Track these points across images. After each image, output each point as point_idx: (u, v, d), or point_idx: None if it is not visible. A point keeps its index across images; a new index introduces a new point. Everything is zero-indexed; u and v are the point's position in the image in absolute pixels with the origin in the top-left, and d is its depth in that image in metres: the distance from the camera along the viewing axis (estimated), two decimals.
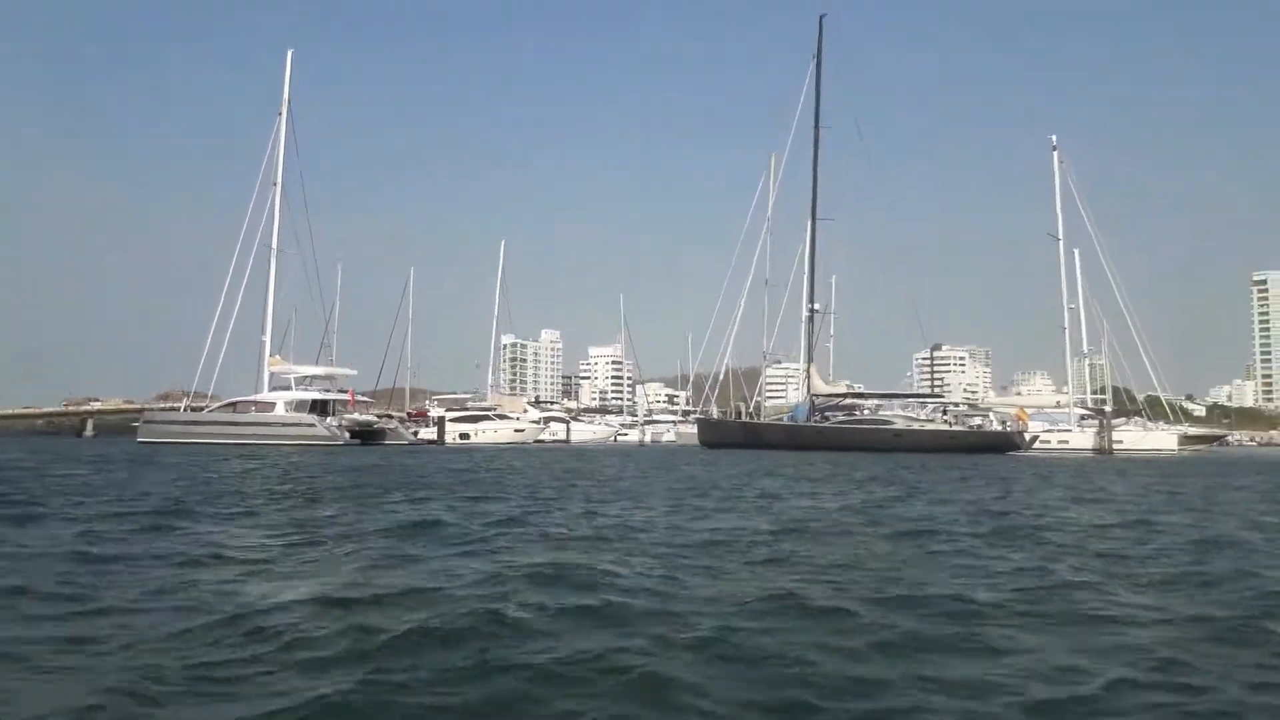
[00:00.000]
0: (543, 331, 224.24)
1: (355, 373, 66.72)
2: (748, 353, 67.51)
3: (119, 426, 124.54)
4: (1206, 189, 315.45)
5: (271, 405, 58.00)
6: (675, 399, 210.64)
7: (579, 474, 21.66)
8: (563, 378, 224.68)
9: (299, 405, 57.88)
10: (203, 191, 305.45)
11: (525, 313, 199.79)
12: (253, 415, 57.59)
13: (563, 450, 48.73)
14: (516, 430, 68.19)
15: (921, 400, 59.35)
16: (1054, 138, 56.45)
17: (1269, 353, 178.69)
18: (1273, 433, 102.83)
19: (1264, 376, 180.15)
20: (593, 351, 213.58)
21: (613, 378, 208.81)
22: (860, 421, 51.44)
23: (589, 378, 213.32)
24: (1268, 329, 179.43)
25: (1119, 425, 52.59)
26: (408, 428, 65.57)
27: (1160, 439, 52.71)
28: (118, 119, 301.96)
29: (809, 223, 54.07)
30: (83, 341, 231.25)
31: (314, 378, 61.84)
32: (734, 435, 52.61)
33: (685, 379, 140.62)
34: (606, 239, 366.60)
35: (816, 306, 53.56)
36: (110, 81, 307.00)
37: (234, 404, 59.45)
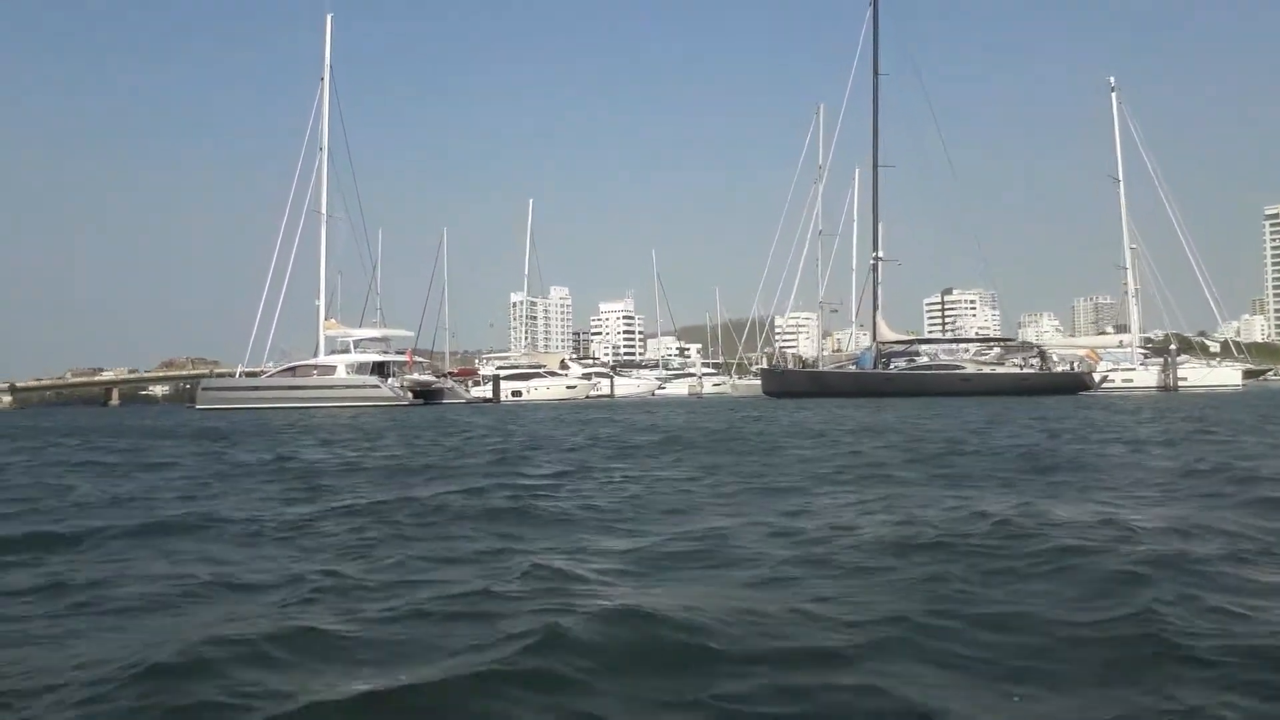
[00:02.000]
0: (552, 288, 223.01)
1: (412, 334, 67.20)
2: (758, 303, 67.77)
3: (130, 394, 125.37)
4: (1214, 124, 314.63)
5: (333, 368, 58.32)
6: (686, 351, 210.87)
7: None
8: (573, 334, 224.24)
9: (360, 368, 58.24)
10: (170, 159, 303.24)
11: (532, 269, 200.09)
12: (315, 379, 57.84)
13: (641, 405, 48.83)
14: (569, 387, 68.55)
15: (989, 343, 59.57)
16: (1112, 79, 56.35)
17: None
18: None
19: (1276, 311, 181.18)
20: (603, 307, 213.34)
21: (624, 332, 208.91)
22: (929, 367, 51.86)
23: (600, 333, 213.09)
24: None
25: (1181, 363, 53.11)
26: (464, 386, 65.95)
27: (1225, 375, 53.29)
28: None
29: (870, 171, 54.19)
30: (65, 315, 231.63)
31: (370, 340, 61.98)
32: (800, 384, 52.96)
33: (714, 331, 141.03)
34: (606, 196, 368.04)
35: (880, 254, 53.70)
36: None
37: (293, 368, 59.60)
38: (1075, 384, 47.91)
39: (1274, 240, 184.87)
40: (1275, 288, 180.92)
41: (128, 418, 45.80)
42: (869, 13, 54.60)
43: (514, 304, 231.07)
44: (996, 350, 62.77)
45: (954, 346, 65.52)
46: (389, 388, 56.73)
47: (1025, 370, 50.54)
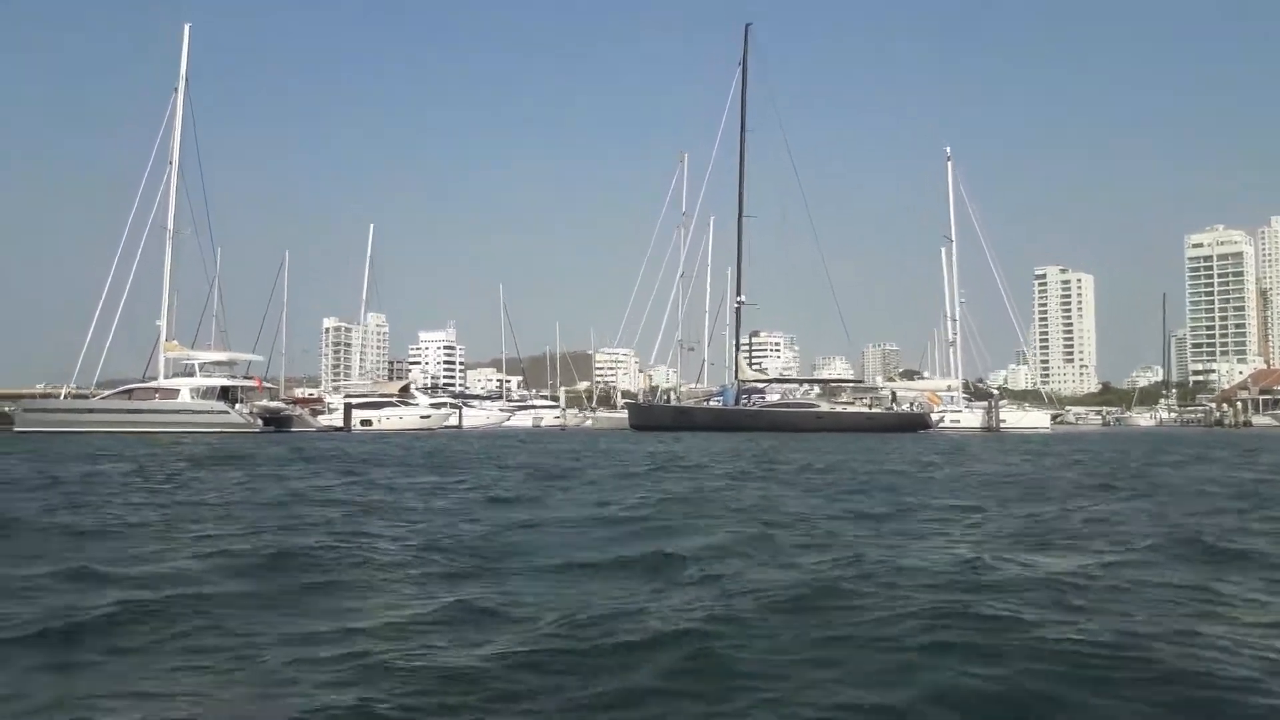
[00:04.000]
0: (369, 315, 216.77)
1: (261, 358, 64.57)
2: (578, 338, 70.70)
3: None
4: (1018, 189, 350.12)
5: (175, 392, 55.36)
6: (506, 383, 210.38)
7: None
8: (390, 363, 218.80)
9: (207, 392, 55.62)
10: None
11: (349, 298, 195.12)
12: (156, 403, 54.66)
13: (523, 436, 49.16)
14: (423, 417, 67.48)
15: (840, 384, 64.06)
16: (948, 149, 62.57)
17: (1046, 341, 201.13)
18: (1077, 409, 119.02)
19: (1042, 362, 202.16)
20: (423, 336, 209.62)
21: (445, 362, 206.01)
22: (787, 405, 55.25)
23: (419, 363, 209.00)
24: (1045, 319, 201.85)
25: (1001, 408, 59.30)
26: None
27: (1036, 418, 60.02)
28: None
29: (727, 219, 57.59)
30: None
31: (215, 363, 59.22)
32: (664, 419, 54.94)
33: (552, 363, 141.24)
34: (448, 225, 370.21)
35: (743, 298, 56.83)
36: None
37: (130, 390, 56.28)
38: (917, 423, 52.55)
39: (1041, 299, 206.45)
40: (1042, 341, 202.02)
41: None
42: (738, 73, 58.25)
43: (326, 330, 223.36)
44: (816, 390, 67.87)
45: (792, 386, 69.87)
46: (238, 413, 54.39)
47: (873, 410, 54.90)
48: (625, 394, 78.29)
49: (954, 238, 60.81)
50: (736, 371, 57.18)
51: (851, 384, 64.86)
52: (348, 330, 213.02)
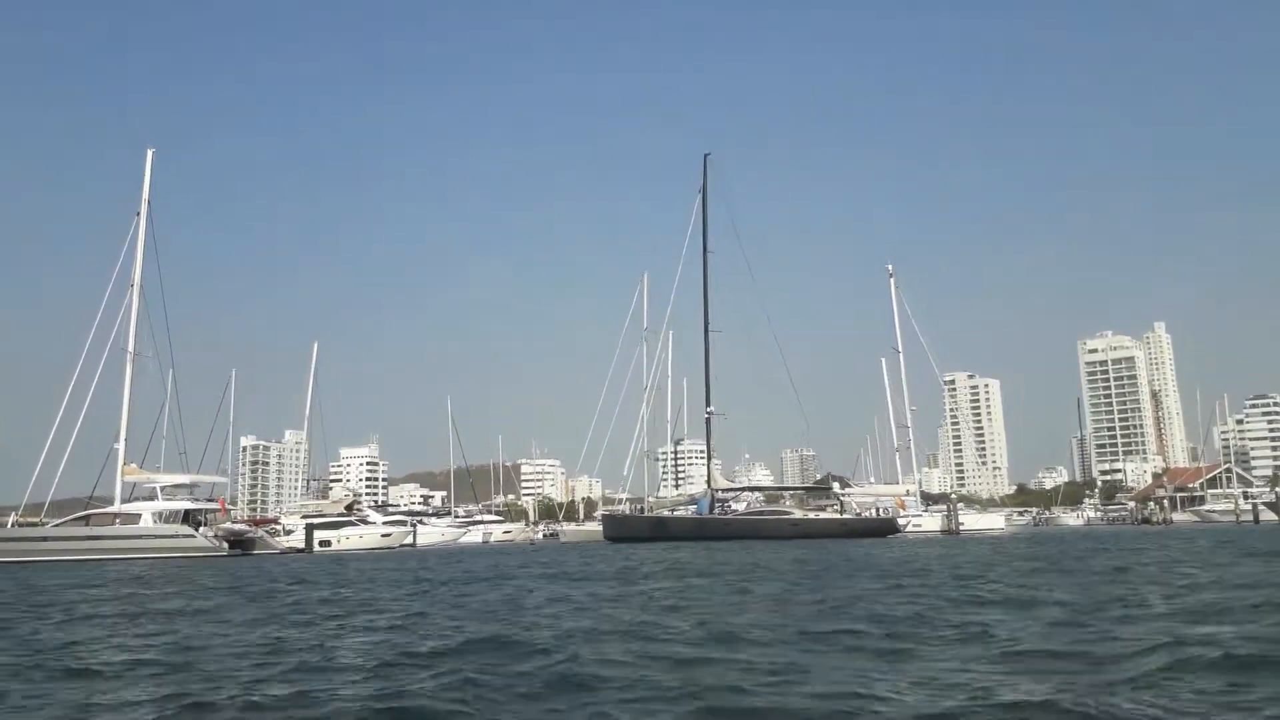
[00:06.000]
0: (286, 432, 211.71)
1: (225, 480, 62.95)
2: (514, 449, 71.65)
3: None
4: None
5: (137, 517, 53.90)
6: (430, 499, 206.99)
7: None
8: (307, 480, 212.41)
9: (170, 516, 54.34)
10: None
11: (276, 416, 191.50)
12: (117, 528, 53.05)
13: (503, 554, 49.06)
14: (383, 535, 66.62)
15: (794, 490, 66.05)
16: (890, 267, 66.68)
17: (959, 444, 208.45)
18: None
19: (956, 465, 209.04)
20: (344, 452, 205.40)
21: (367, 478, 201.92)
22: (762, 512, 56.61)
23: (340, 479, 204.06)
24: (957, 423, 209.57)
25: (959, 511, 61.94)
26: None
27: (992, 520, 62.74)
28: None
29: (687, 333, 60.24)
30: None
31: (176, 486, 58.03)
32: (641, 530, 55.53)
33: (496, 475, 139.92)
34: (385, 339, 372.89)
35: (712, 409, 58.66)
36: None
37: (86, 517, 54.46)
38: (887, 528, 54.49)
39: (951, 404, 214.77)
40: (955, 445, 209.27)
41: None
42: (698, 199, 61.67)
43: (244, 449, 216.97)
44: (757, 495, 70.26)
45: (745, 493, 71.58)
46: (204, 536, 53.29)
47: (845, 516, 56.64)
48: (573, 504, 78.37)
49: (900, 349, 64.49)
50: (709, 480, 58.53)
51: (822, 490, 66.86)
52: (266, 449, 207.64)
